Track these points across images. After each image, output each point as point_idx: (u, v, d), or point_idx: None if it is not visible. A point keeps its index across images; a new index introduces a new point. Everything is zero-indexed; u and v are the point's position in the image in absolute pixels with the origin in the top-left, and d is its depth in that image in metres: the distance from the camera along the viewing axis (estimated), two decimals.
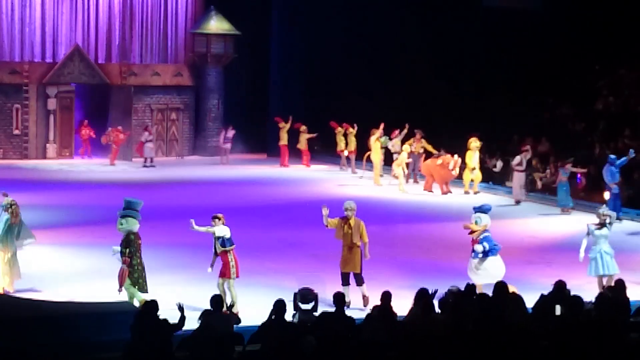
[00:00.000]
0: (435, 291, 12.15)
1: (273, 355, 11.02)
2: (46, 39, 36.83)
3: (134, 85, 37.38)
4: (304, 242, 20.93)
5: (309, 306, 12.58)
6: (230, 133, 36.69)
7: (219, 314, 11.89)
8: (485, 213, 16.48)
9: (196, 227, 15.47)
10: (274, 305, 11.53)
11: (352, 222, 15.99)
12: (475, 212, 16.55)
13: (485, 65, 34.51)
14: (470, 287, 12.77)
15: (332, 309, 12.06)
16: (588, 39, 33.37)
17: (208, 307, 12.12)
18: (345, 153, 33.91)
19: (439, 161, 28.99)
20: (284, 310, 11.49)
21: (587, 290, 15.07)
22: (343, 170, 34.27)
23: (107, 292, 15.87)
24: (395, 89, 35.60)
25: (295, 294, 12.85)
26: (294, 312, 12.68)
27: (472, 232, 16.42)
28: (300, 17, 39.39)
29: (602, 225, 16.71)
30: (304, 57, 39.33)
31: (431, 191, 29.23)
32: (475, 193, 28.91)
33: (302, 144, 35.47)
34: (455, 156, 28.91)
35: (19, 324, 12.88)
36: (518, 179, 27.52)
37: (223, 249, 15.36)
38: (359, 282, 15.98)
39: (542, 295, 12.79)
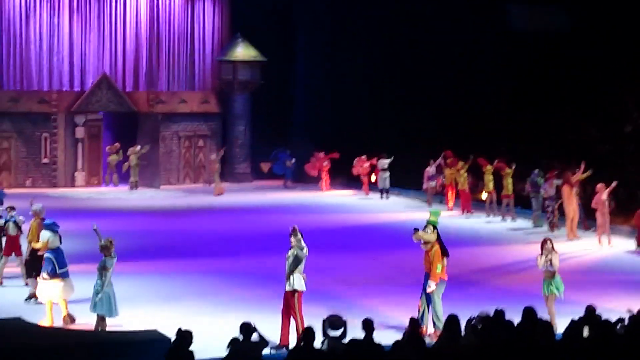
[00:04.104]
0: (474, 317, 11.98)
1: None
2: (74, 67, 37.09)
3: (161, 113, 37.54)
4: (331, 268, 20.81)
5: (337, 333, 12.50)
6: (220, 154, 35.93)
7: (247, 341, 11.85)
8: (49, 230, 16.55)
9: None
10: (303, 332, 11.47)
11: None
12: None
13: (512, 87, 34.34)
14: (499, 313, 12.66)
15: (361, 336, 11.99)
16: (618, 61, 33.14)
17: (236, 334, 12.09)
18: (484, 196, 29.40)
19: None
20: (313, 337, 11.44)
21: (618, 314, 14.88)
22: (491, 217, 29.25)
23: (138, 319, 15.91)
24: (424, 115, 35.48)
25: (323, 321, 12.78)
26: (323, 338, 12.62)
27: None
28: (325, 42, 39.51)
29: None
30: (330, 83, 39.40)
31: None
32: None
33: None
34: None
35: (47, 353, 12.89)
36: None
37: None
38: None
39: (572, 321, 12.66)
